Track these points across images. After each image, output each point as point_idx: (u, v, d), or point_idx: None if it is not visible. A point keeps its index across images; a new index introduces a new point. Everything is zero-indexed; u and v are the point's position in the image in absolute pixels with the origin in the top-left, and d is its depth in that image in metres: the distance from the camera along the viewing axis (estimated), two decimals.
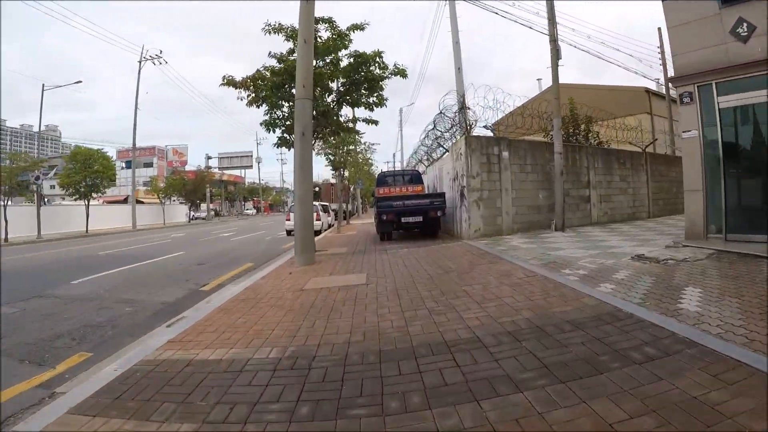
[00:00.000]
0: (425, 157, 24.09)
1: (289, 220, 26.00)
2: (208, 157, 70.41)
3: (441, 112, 17.58)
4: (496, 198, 15.29)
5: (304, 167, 11.64)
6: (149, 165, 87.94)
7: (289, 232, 26.12)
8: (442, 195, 16.06)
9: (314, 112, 13.73)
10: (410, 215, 15.85)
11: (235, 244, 21.84)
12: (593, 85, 37.45)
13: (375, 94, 14.46)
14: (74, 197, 40.13)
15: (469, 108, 15.66)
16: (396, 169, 23.96)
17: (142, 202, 60.51)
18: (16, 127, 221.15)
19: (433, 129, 19.09)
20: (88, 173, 38.56)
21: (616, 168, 20.85)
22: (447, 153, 18.51)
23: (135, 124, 48.58)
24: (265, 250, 18.25)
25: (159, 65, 48.69)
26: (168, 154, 79.89)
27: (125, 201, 63.29)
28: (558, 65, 16.30)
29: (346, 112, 16.05)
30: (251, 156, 72.42)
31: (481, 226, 14.92)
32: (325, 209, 29.70)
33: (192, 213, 72.16)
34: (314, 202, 27.99)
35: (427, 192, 19.94)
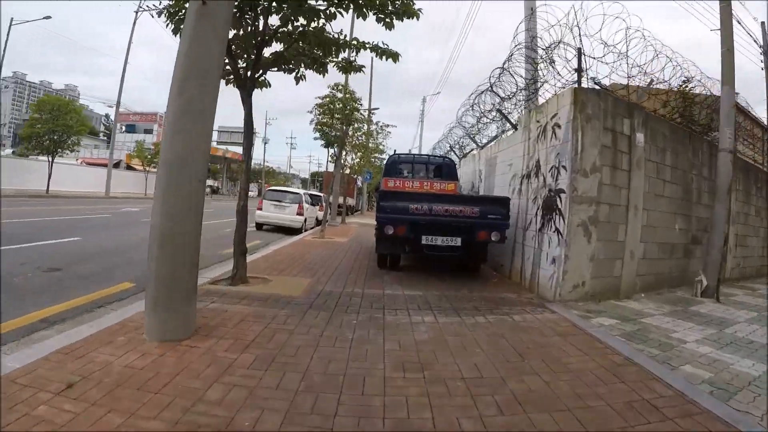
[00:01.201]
0: (459, 143, 16.62)
1: (261, 209, 18.67)
2: None
3: (510, 58, 10.04)
4: (619, 222, 7.78)
5: (189, 81, 4.36)
6: (149, 131, 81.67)
7: (259, 226, 18.86)
8: (506, 202, 8.59)
9: None
10: (441, 233, 8.43)
11: None
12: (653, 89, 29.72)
13: None
14: (36, 152, 33.68)
15: (564, 45, 8.12)
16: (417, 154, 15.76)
17: (134, 168, 53.42)
18: (36, 82, 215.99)
19: (488, 90, 11.53)
20: (53, 126, 31.73)
21: (753, 193, 13.36)
22: (507, 133, 11.19)
23: (122, 79, 41.19)
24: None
25: (157, 18, 41.69)
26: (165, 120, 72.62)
27: (117, 165, 56.87)
28: None
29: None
30: (255, 133, 64.59)
31: (588, 277, 7.41)
32: (316, 201, 22.36)
33: None
34: (300, 191, 20.67)
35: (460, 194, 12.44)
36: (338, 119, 16.03)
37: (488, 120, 12.53)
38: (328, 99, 15.85)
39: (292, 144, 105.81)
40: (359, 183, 44.28)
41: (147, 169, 50.92)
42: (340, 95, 15.95)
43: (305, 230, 19.09)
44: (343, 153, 23.53)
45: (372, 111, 23.83)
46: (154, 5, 7.21)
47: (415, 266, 10.56)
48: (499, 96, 11.18)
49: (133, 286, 7.31)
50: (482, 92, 12.24)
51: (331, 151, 16.86)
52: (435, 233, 8.41)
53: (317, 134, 16.06)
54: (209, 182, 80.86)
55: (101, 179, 40.98)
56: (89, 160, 57.89)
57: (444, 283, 8.49)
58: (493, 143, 12.64)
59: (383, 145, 26.76)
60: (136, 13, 40.69)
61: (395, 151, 13.29)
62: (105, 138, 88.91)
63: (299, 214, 18.54)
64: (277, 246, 13.10)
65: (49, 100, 33.18)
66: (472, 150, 15.53)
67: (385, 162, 13.49)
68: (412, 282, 8.39)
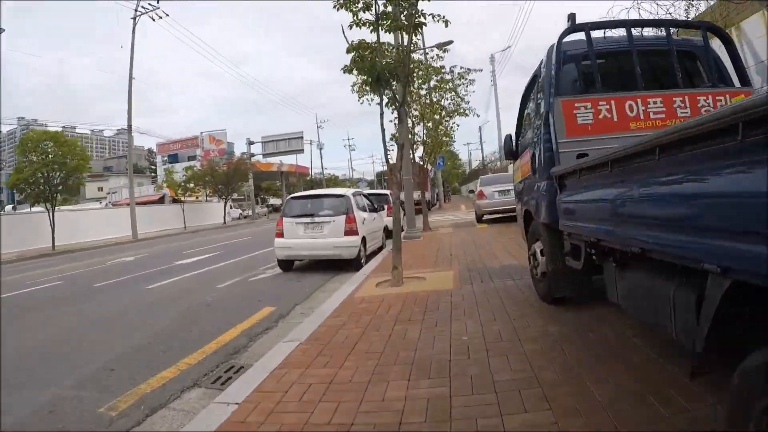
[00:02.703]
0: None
1: (281, 236, 10.69)
2: (250, 142, 56.21)
3: None
4: None
5: None
6: (193, 158, 76.03)
7: (287, 265, 10.97)
8: None
9: None
10: None
11: (117, 316, 7.44)
12: None
13: None
14: (30, 201, 27.50)
15: None
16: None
17: (182, 201, 47.24)
18: (87, 132, 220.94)
19: None
20: (42, 165, 25.13)
21: None
22: None
23: (130, 98, 34.72)
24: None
25: (158, 20, 35.85)
26: (204, 143, 66.46)
27: (161, 201, 51.76)
28: None
29: None
30: (301, 138, 56.79)
31: None
32: (381, 204, 13.86)
33: (241, 211, 59.71)
34: (347, 191, 12.24)
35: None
36: (388, 27, 7.48)
37: None
38: None
39: (350, 146, 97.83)
40: (431, 172, 35.60)
41: (182, 198, 44.29)
42: None
43: (365, 259, 10.77)
44: (410, 118, 15.09)
45: (444, 47, 15.09)
46: None
47: None
48: None
49: None
50: None
51: (389, 111, 8.15)
52: None
53: (351, 69, 7.42)
54: (273, 201, 74.36)
55: (138, 220, 34.66)
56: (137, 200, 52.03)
57: None
58: None
59: (466, 102, 17.40)
60: (134, 19, 34.90)
61: (572, 18, 4.45)
62: (151, 174, 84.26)
63: (350, 233, 10.17)
64: (291, 337, 4.92)
65: (35, 137, 26.37)
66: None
67: (547, 58, 4.79)
68: None
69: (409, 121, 15.51)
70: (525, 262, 8.25)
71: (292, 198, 11.43)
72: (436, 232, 16.03)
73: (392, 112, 8.50)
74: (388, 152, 8.39)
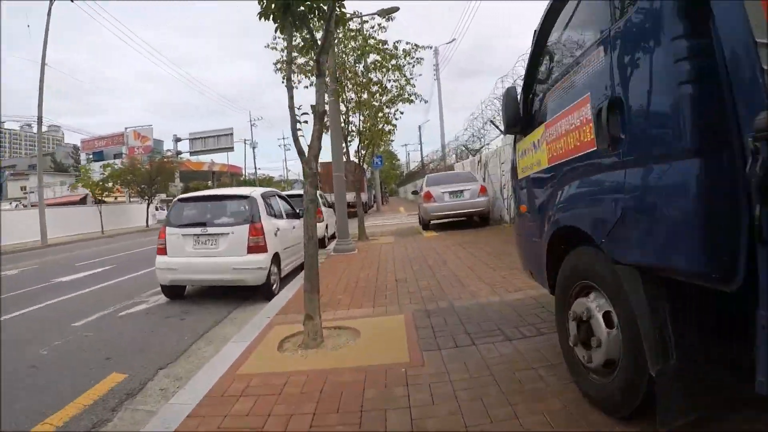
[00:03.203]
0: None
1: (164, 253, 7.84)
2: (177, 139, 52.22)
3: None
4: None
5: None
6: (119, 155, 71.07)
7: (172, 291, 8.08)
8: None
9: None
10: None
11: None
12: None
13: None
14: None
15: None
16: None
17: (104, 202, 42.82)
18: (16, 129, 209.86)
19: None
20: None
21: None
22: None
23: (41, 85, 30.79)
24: None
25: (77, 1, 32.12)
26: (129, 139, 61.68)
27: (83, 201, 47.31)
28: None
29: None
30: (231, 135, 52.90)
31: None
32: (300, 206, 10.83)
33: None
34: (253, 191, 9.31)
35: None
36: None
37: None
38: None
39: (285, 145, 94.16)
40: (368, 171, 33.53)
41: (101, 199, 40.29)
42: None
43: (278, 284, 8.07)
44: (343, 103, 12.70)
45: (388, 15, 12.57)
46: None
47: None
48: None
49: None
50: None
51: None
52: None
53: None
54: None
55: (51, 222, 30.87)
56: (50, 201, 47.45)
57: None
58: None
59: (412, 85, 14.43)
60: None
61: None
62: (76, 173, 78.64)
63: (256, 249, 7.40)
64: None
65: None
66: None
67: None
68: None
69: (342, 107, 12.85)
70: (506, 295, 5.73)
71: (180, 200, 8.49)
72: (374, 242, 13.35)
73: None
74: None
